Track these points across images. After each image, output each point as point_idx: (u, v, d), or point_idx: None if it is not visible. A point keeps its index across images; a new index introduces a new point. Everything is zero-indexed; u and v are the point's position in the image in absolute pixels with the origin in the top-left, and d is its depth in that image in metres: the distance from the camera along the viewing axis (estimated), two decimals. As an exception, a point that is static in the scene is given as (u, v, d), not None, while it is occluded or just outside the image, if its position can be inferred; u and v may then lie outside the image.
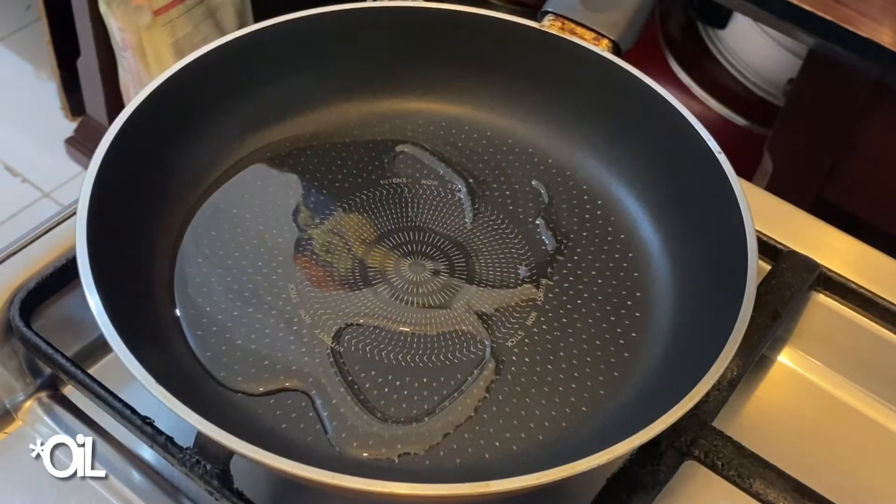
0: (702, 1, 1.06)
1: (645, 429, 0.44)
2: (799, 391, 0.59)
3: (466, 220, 0.59)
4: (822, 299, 0.60)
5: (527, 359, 0.53)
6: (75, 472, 0.51)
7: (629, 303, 0.56)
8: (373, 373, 0.52)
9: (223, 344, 0.52)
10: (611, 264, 0.57)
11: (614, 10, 0.61)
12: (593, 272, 0.57)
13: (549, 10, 0.62)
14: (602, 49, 0.60)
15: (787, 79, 0.97)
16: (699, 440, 0.51)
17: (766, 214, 0.61)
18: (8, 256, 0.56)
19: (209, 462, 0.47)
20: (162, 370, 0.46)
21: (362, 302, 0.55)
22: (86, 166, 0.52)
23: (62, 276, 0.54)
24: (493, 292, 0.56)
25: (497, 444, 0.50)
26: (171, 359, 0.51)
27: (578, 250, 0.58)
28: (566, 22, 0.61)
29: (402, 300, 0.55)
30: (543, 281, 0.57)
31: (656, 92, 0.58)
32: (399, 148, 0.62)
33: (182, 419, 0.44)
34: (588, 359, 0.53)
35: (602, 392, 0.52)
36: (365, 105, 0.63)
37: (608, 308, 0.55)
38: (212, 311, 0.53)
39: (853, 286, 0.59)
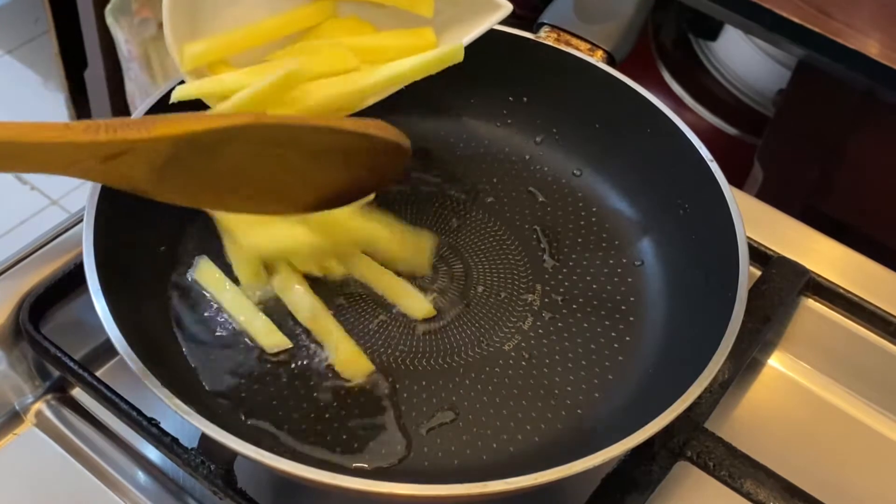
0: (693, 14, 1.06)
1: (639, 430, 0.45)
2: (788, 394, 0.59)
3: (464, 226, 0.60)
4: (811, 304, 0.60)
5: (523, 362, 0.54)
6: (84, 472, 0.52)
7: (623, 307, 0.57)
8: (373, 376, 0.53)
9: (227, 348, 0.53)
10: (605, 270, 0.58)
11: (609, 22, 0.62)
12: (588, 277, 0.58)
13: (545, 21, 0.63)
14: (597, 60, 0.61)
15: (777, 89, 0.97)
16: (691, 441, 0.52)
17: (757, 221, 0.62)
18: (17, 262, 0.56)
19: (213, 462, 0.48)
20: (167, 373, 0.47)
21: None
22: (93, 174, 0.53)
23: (70, 282, 0.55)
24: (491, 297, 0.57)
25: (495, 445, 0.51)
26: (176, 362, 0.52)
27: (574, 256, 0.59)
28: (562, 33, 0.62)
29: (401, 305, 0.56)
30: (539, 286, 0.58)
31: (650, 102, 0.59)
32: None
33: (186, 421, 0.44)
34: (583, 362, 0.54)
35: (597, 395, 0.53)
36: (364, 116, 0.64)
37: (603, 313, 0.56)
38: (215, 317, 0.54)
39: (841, 291, 0.59)
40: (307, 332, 0.54)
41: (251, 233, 0.55)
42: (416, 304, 0.55)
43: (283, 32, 0.55)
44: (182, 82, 0.53)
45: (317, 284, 0.55)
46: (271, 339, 0.53)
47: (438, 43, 0.56)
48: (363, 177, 0.49)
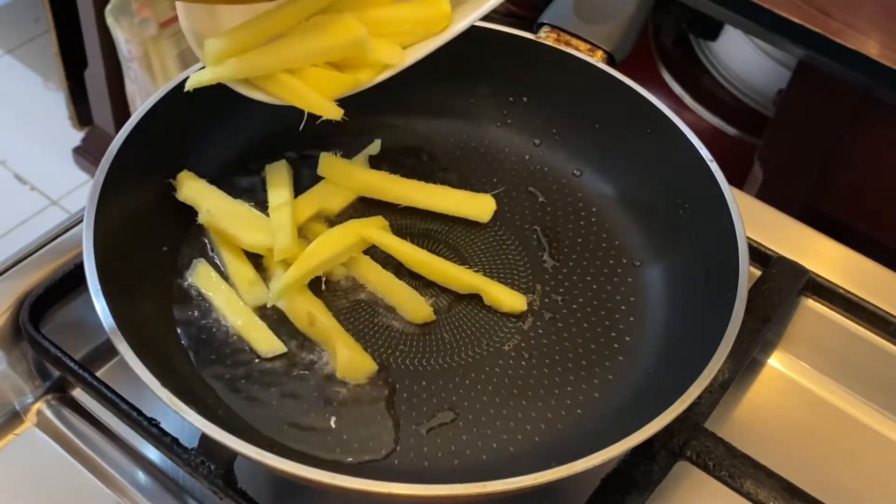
0: (693, 14, 1.06)
1: (639, 430, 0.45)
2: (788, 393, 0.59)
3: (464, 226, 0.60)
4: (810, 304, 0.60)
5: (523, 363, 0.54)
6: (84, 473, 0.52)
7: (623, 307, 0.57)
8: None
9: (226, 348, 0.53)
10: (605, 270, 0.58)
11: (609, 22, 0.62)
12: (588, 277, 0.58)
13: (545, 21, 0.63)
14: (597, 60, 0.61)
15: (777, 89, 0.97)
16: (691, 441, 0.51)
17: (757, 221, 0.62)
18: (17, 262, 0.56)
19: (213, 462, 0.48)
20: (167, 373, 0.47)
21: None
22: (93, 174, 0.53)
23: (70, 282, 0.55)
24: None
25: (494, 445, 0.51)
26: (177, 362, 0.52)
27: (574, 256, 0.59)
28: (562, 34, 0.62)
29: (401, 305, 0.56)
30: (539, 286, 0.58)
31: (650, 102, 0.59)
32: (399, 157, 0.63)
33: (186, 421, 0.45)
34: (583, 362, 0.54)
35: (597, 395, 0.53)
36: (364, 116, 0.64)
37: (603, 313, 0.56)
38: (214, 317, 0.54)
39: (841, 291, 0.59)
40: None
41: (248, 234, 0.55)
42: (417, 307, 0.55)
43: (305, 14, 0.53)
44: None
45: (317, 286, 0.55)
46: (267, 344, 0.53)
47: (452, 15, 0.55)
48: None
